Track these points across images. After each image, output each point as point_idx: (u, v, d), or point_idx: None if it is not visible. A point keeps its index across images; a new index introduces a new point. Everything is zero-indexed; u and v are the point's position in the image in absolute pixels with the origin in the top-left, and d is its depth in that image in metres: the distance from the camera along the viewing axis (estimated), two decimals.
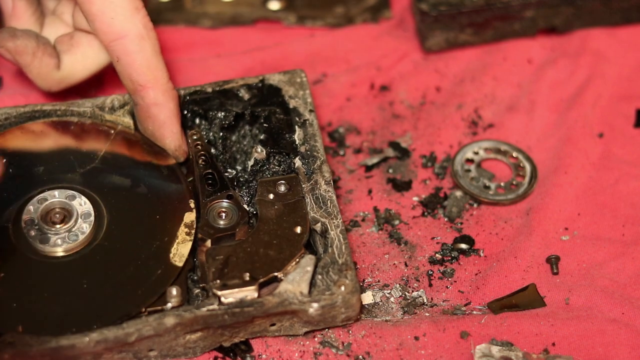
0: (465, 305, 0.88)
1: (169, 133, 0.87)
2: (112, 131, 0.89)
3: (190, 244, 0.83)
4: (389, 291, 0.89)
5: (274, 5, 1.08)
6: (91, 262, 0.83)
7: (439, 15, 1.01)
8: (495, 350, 0.83)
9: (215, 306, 0.80)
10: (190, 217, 0.84)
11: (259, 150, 0.89)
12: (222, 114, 0.91)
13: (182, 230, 0.84)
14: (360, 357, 0.83)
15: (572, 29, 1.05)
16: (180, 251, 0.83)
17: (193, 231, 0.84)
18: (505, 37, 1.05)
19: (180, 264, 0.82)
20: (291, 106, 0.91)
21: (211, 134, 0.91)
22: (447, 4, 1.01)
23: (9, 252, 0.82)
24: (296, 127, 0.90)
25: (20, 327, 0.78)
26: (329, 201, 0.85)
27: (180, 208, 0.85)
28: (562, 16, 1.03)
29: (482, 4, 1.01)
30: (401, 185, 0.96)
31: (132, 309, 0.80)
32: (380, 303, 0.88)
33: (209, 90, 0.92)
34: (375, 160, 0.97)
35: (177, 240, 0.83)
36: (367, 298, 0.88)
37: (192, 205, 0.85)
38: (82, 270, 0.82)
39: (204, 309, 0.79)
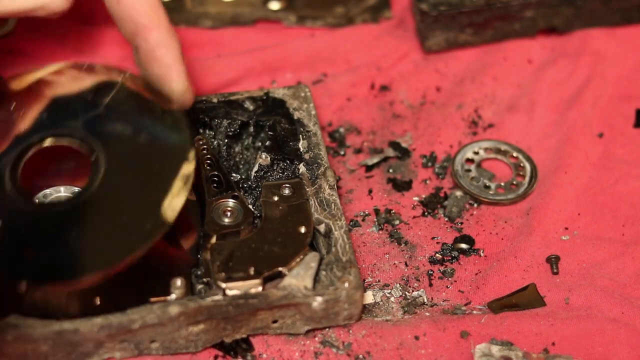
0: (466, 304, 0.88)
1: (175, 75, 0.84)
2: (120, 76, 0.86)
3: (183, 198, 0.81)
4: (389, 291, 0.89)
5: (274, 5, 1.08)
6: (83, 212, 0.81)
7: (439, 15, 1.01)
8: (495, 349, 0.83)
9: (219, 297, 0.80)
10: (187, 168, 0.82)
11: (263, 156, 0.89)
12: (227, 122, 0.91)
13: (178, 182, 0.81)
14: (361, 356, 0.84)
15: (572, 29, 1.05)
16: (173, 204, 0.80)
17: (189, 185, 0.81)
18: (505, 37, 1.05)
19: (171, 219, 0.80)
20: (295, 117, 0.91)
21: (215, 142, 0.91)
22: (447, 4, 1.01)
23: (1, 199, 0.82)
24: (300, 136, 0.90)
25: (24, 283, 0.77)
26: (332, 204, 0.86)
27: (179, 159, 0.82)
28: (562, 16, 1.03)
29: (482, 4, 1.01)
30: (401, 185, 0.96)
31: (116, 261, 0.78)
32: (381, 303, 0.88)
33: (215, 100, 0.92)
34: (375, 160, 0.97)
35: (171, 193, 0.81)
36: (368, 298, 0.88)
37: (191, 156, 0.82)
38: (73, 220, 0.81)
39: (209, 299, 0.80)
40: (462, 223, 0.93)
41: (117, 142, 0.84)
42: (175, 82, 0.84)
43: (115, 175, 0.83)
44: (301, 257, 0.83)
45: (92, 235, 0.80)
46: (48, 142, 0.85)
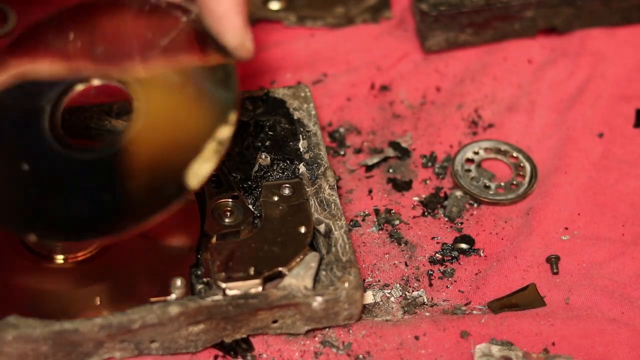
0: (466, 305, 0.88)
1: (229, 28, 0.77)
2: (184, 18, 0.81)
3: (212, 164, 0.75)
4: (389, 291, 0.89)
5: (274, 5, 1.08)
6: (113, 164, 0.78)
7: (439, 15, 1.01)
8: (495, 349, 0.83)
9: (219, 297, 0.80)
10: (224, 132, 0.76)
11: (263, 156, 0.90)
12: None
13: (210, 146, 0.76)
14: (361, 356, 0.84)
15: (572, 29, 1.05)
16: (200, 170, 0.76)
17: (222, 151, 0.76)
18: (505, 37, 1.05)
19: (194, 186, 0.75)
20: (295, 117, 0.92)
21: None
22: (447, 4, 1.01)
23: (36, 141, 0.79)
24: (300, 136, 0.90)
25: (33, 235, 0.76)
26: (332, 204, 0.86)
27: (218, 119, 0.77)
28: (562, 16, 1.03)
29: (482, 4, 1.01)
30: (401, 185, 0.96)
31: (125, 227, 0.75)
32: (381, 303, 0.88)
33: None
34: (375, 160, 0.97)
35: (200, 157, 0.75)
36: (368, 298, 0.88)
37: (232, 119, 0.76)
38: (94, 172, 0.78)
39: (209, 299, 0.80)
40: (462, 223, 0.93)
41: (160, 90, 0.79)
42: (228, 36, 0.78)
43: (150, 127, 0.79)
44: (301, 257, 0.83)
45: (108, 194, 0.77)
46: (91, 82, 0.82)
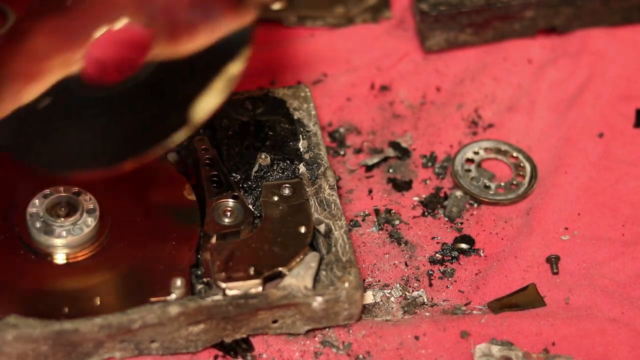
0: (466, 305, 0.88)
1: None
2: None
3: (219, 99, 0.74)
4: (389, 291, 0.89)
5: (274, 5, 1.08)
6: (117, 101, 0.77)
7: (439, 15, 1.01)
8: (495, 349, 0.83)
9: (219, 297, 0.80)
10: (235, 68, 0.75)
11: (263, 156, 0.90)
12: (227, 121, 0.91)
13: (219, 82, 0.74)
14: (361, 356, 0.84)
15: (572, 29, 1.05)
16: (205, 105, 0.74)
17: (231, 87, 0.74)
18: (505, 37, 1.05)
19: (198, 120, 0.73)
20: (295, 117, 0.92)
21: (215, 142, 0.91)
22: (447, 4, 1.01)
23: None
24: (300, 136, 0.90)
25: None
26: (332, 204, 0.86)
27: (229, 55, 0.75)
28: (562, 16, 1.03)
29: (482, 4, 1.01)
30: (401, 185, 0.96)
31: (134, 154, 0.74)
32: (381, 303, 0.88)
33: None
34: (375, 160, 0.97)
35: (208, 91, 0.74)
36: (368, 298, 0.88)
37: (244, 54, 0.75)
38: (106, 109, 0.77)
39: (209, 299, 0.80)
40: (462, 223, 0.93)
41: (179, 29, 0.78)
42: None
43: (165, 64, 0.78)
44: (301, 257, 0.83)
45: (111, 126, 0.76)
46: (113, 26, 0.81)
